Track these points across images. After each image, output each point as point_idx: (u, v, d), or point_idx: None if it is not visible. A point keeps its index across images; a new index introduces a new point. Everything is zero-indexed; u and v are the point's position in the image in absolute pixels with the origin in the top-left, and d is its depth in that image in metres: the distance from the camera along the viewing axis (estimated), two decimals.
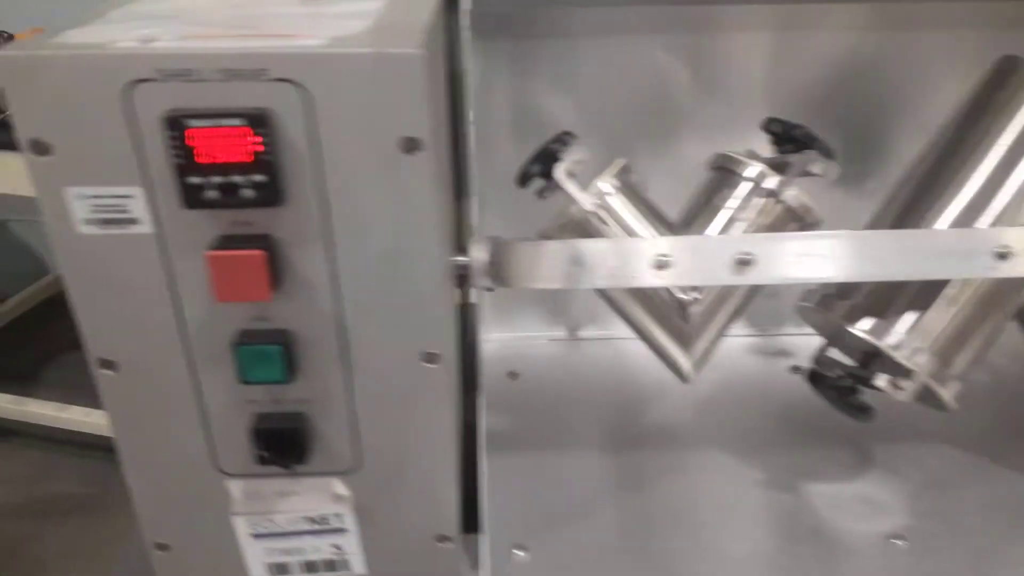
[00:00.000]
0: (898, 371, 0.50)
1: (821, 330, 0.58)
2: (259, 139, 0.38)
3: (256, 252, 0.40)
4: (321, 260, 0.42)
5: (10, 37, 1.69)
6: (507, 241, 0.50)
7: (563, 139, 0.52)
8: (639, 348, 0.77)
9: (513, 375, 0.72)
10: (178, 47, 0.37)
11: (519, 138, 0.68)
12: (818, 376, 0.54)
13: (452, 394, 0.47)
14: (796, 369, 0.70)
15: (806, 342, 0.74)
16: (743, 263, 0.46)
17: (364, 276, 0.43)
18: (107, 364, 0.45)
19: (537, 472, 0.61)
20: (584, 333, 0.77)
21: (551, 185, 0.54)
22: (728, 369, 0.70)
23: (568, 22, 0.65)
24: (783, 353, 0.73)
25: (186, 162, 0.38)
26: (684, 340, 0.53)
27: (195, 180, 0.38)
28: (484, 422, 0.58)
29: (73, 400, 1.74)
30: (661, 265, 0.46)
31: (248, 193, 0.39)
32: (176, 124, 0.37)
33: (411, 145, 0.39)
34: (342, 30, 0.39)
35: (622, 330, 0.79)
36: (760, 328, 0.76)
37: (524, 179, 0.53)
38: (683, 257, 0.46)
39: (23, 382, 1.92)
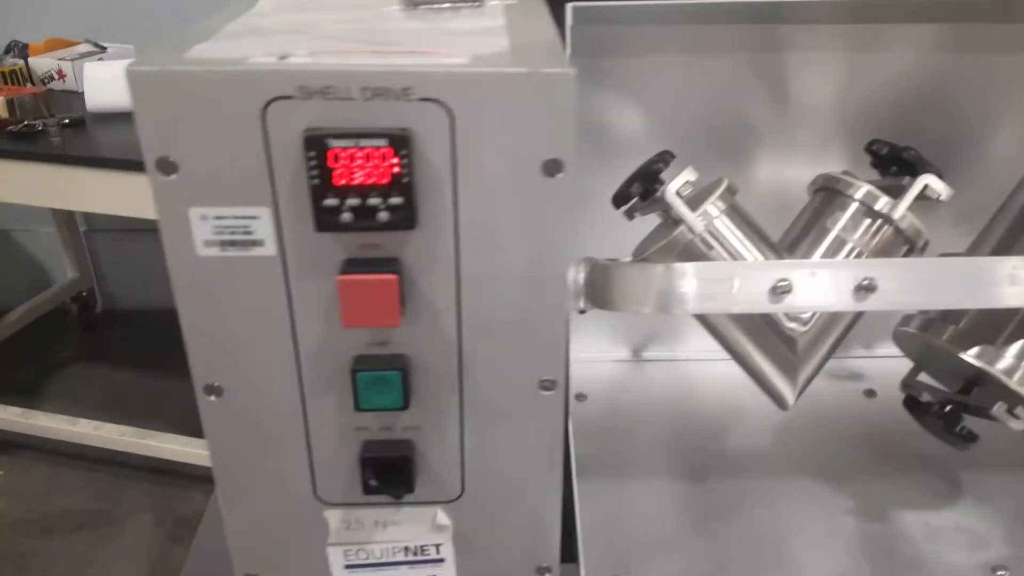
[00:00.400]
0: (1009, 398, 0.50)
1: (914, 355, 0.57)
2: (398, 160, 0.37)
3: (390, 276, 0.38)
4: (447, 284, 0.41)
5: (25, 47, 1.67)
6: (611, 263, 0.49)
7: (664, 158, 0.51)
8: (705, 368, 0.76)
9: (581, 397, 0.71)
10: (321, 64, 0.36)
11: (586, 157, 0.67)
12: (917, 403, 0.53)
13: (563, 421, 0.46)
14: (871, 393, 0.69)
15: (875, 365, 0.73)
16: (865, 289, 0.45)
17: (489, 301, 0.41)
18: (212, 390, 0.43)
19: (622, 498, 0.59)
20: (648, 354, 0.76)
21: (646, 206, 0.53)
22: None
23: (636, 40, 0.65)
24: (854, 376, 0.72)
25: (323, 183, 0.37)
26: (788, 369, 0.52)
27: (331, 202, 0.37)
28: (573, 448, 0.57)
29: (78, 413, 1.71)
30: (781, 290, 0.45)
31: (383, 216, 0.38)
32: (317, 144, 0.36)
33: (554, 167, 0.38)
34: (480, 48, 0.38)
35: (685, 350, 0.79)
36: None
37: (623, 199, 0.52)
38: (803, 282, 0.45)
39: (27, 395, 1.88)
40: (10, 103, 1.42)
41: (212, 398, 0.43)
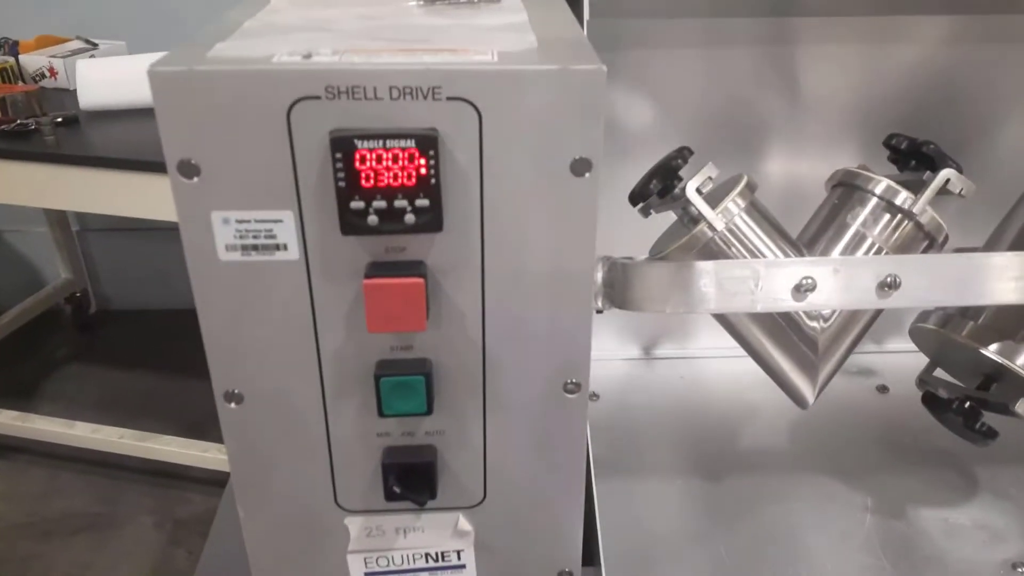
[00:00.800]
0: None
1: (930, 351, 0.57)
2: (425, 162, 0.36)
3: (417, 280, 0.38)
4: (472, 286, 0.40)
5: (15, 44, 1.65)
6: (630, 262, 0.48)
7: (683, 154, 0.50)
8: (716, 366, 0.76)
9: (593, 396, 0.70)
10: (350, 64, 0.35)
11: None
12: (936, 400, 0.52)
13: (586, 423, 0.46)
14: (884, 389, 0.69)
15: (887, 360, 0.73)
16: (888, 286, 0.44)
17: (514, 302, 0.41)
18: (233, 397, 0.42)
19: (639, 498, 0.59)
20: (658, 352, 0.76)
21: (663, 203, 0.53)
22: None
23: (649, 33, 0.64)
24: (866, 372, 0.72)
25: (349, 185, 0.36)
26: (809, 368, 0.52)
27: (357, 205, 0.36)
28: (590, 449, 0.56)
29: (74, 415, 1.69)
30: (805, 288, 0.45)
31: (410, 218, 0.37)
32: (344, 145, 0.35)
33: (583, 167, 0.37)
34: (507, 45, 0.38)
35: (696, 348, 0.78)
36: None
37: (640, 197, 0.52)
38: (826, 280, 0.45)
39: (23, 397, 1.86)
40: (2, 102, 1.40)
41: (232, 405, 0.43)
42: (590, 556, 0.52)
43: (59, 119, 1.40)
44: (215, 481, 1.66)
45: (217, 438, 1.58)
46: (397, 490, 0.44)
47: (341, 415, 0.43)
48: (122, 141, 1.35)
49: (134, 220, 2.01)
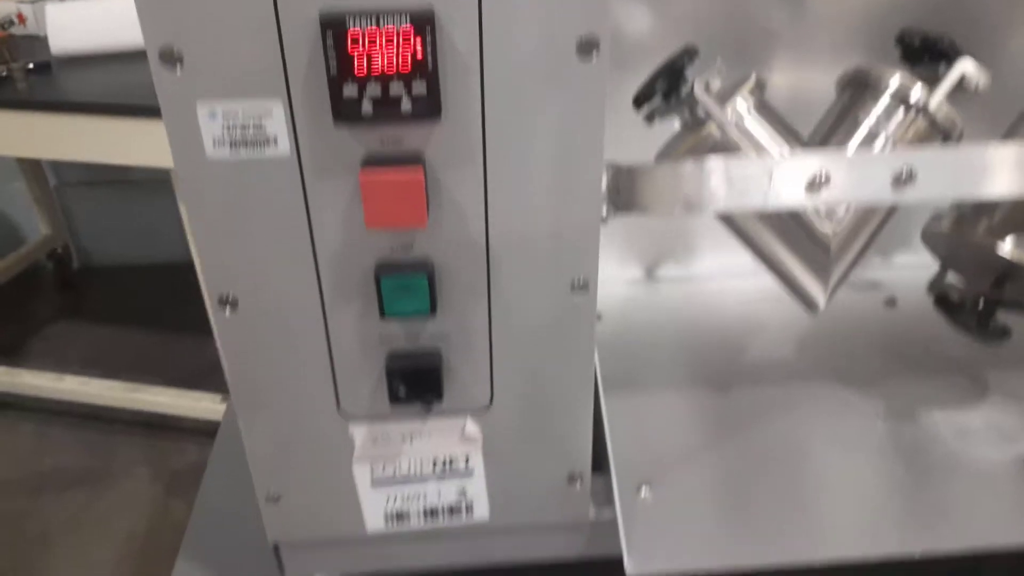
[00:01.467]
0: None
1: (942, 253, 0.56)
2: (421, 43, 0.34)
3: (416, 172, 0.36)
4: (473, 180, 0.39)
5: None
6: (636, 165, 0.47)
7: (689, 53, 0.49)
8: (721, 286, 0.75)
9: (597, 317, 0.69)
10: None
11: None
12: (949, 301, 0.52)
13: (594, 323, 0.45)
14: (892, 302, 0.68)
15: (894, 275, 0.72)
16: (903, 179, 0.43)
17: (518, 197, 0.39)
18: (227, 301, 0.41)
19: (647, 411, 0.58)
20: (661, 273, 0.75)
21: (668, 107, 0.51)
22: None
23: None
24: (873, 286, 0.71)
25: (341, 70, 0.34)
26: (820, 270, 0.51)
27: (350, 92, 0.34)
28: (596, 355, 0.55)
29: (63, 372, 1.67)
30: (817, 184, 0.43)
31: (406, 106, 0.35)
32: (334, 23, 0.33)
33: (588, 46, 0.35)
34: None
35: (700, 268, 0.77)
36: None
37: (644, 98, 0.50)
38: (840, 174, 0.43)
39: (8, 355, 1.84)
40: None
41: (227, 312, 0.41)
42: (599, 463, 0.52)
43: (30, 66, 1.35)
44: (210, 432, 1.65)
45: (209, 388, 1.58)
46: (402, 393, 0.43)
47: (341, 319, 0.42)
48: (97, 86, 1.32)
49: (112, 172, 1.97)
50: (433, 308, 0.41)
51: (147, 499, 1.57)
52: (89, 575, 1.40)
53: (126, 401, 1.59)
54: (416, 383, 0.43)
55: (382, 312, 0.40)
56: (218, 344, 0.43)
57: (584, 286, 0.42)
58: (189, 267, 1.21)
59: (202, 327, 1.42)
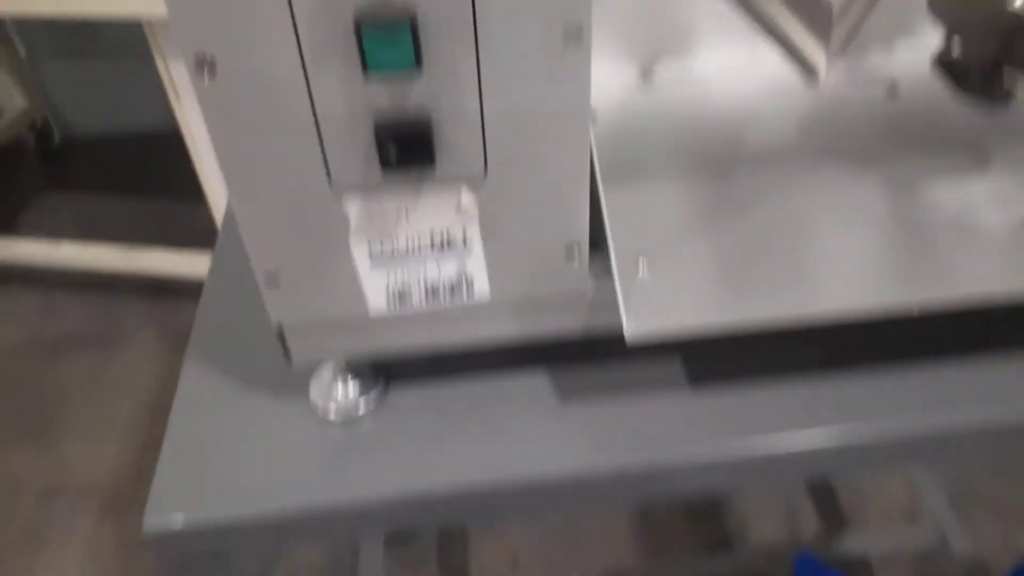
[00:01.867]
0: None
1: (948, 17, 0.53)
2: None
3: None
4: None
5: None
6: None
7: None
8: (718, 85, 0.73)
9: (592, 118, 0.68)
10: None
11: None
12: (953, 65, 0.50)
13: (588, 80, 0.43)
14: (893, 92, 0.66)
15: (895, 62, 0.70)
16: None
17: None
18: (204, 63, 0.39)
19: (645, 195, 0.58)
20: (656, 74, 0.72)
21: None
22: (818, 98, 0.66)
23: None
24: (873, 75, 0.69)
25: None
26: (822, 34, 0.48)
27: None
28: (593, 148, 0.54)
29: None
30: None
31: None
32: None
33: None
34: None
35: (696, 67, 0.75)
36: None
37: None
38: None
39: (0, 228, 1.83)
40: None
41: (205, 78, 0.40)
42: (597, 243, 0.52)
43: None
44: None
45: (206, 248, 1.57)
46: (393, 156, 0.42)
47: (324, 79, 0.40)
48: None
49: (83, 36, 1.90)
50: (419, 61, 0.39)
51: (157, 359, 1.61)
52: (108, 430, 1.45)
53: (125, 262, 1.60)
54: (407, 145, 0.42)
55: (364, 66, 0.39)
56: (203, 116, 0.41)
57: (577, 34, 0.40)
58: (173, 135, 1.18)
59: (193, 193, 1.41)
